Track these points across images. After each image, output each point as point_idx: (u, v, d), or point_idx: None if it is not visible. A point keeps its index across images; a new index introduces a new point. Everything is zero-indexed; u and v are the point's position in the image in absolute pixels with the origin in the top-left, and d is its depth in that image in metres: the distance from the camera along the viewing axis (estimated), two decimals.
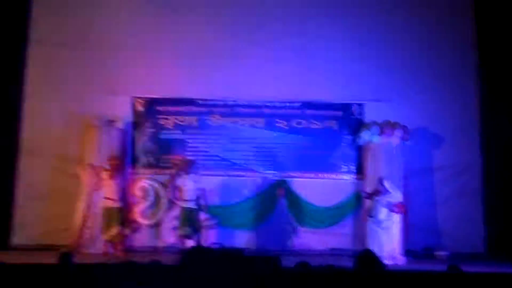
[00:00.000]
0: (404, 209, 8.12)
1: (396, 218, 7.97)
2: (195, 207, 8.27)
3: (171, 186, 8.55)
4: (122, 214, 8.30)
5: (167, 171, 8.91)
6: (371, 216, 7.99)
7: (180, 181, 8.35)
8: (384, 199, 7.91)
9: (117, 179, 8.33)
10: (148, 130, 9.21)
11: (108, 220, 8.17)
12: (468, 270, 4.55)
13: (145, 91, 9.20)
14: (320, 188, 9.04)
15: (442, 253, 8.50)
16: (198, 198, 8.34)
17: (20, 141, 9.02)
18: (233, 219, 8.93)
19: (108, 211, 8.20)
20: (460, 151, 9.18)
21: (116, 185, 8.26)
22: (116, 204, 8.24)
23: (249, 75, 9.20)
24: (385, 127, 8.91)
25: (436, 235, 8.88)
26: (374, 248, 7.45)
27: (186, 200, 8.25)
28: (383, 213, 7.88)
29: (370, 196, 8.12)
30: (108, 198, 8.22)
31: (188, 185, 8.29)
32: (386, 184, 7.99)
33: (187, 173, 8.36)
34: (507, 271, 4.37)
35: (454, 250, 8.49)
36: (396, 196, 7.99)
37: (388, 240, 7.78)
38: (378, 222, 7.86)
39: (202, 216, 8.46)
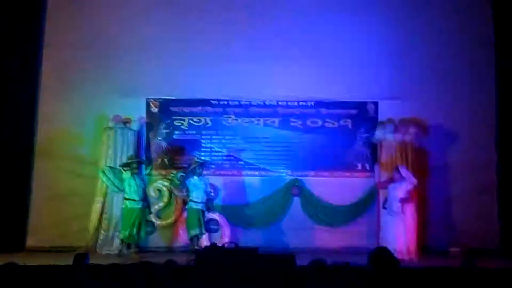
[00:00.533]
0: (417, 197, 8.01)
1: (411, 208, 7.86)
2: (203, 208, 8.30)
3: (181, 187, 8.57)
4: (142, 215, 8.21)
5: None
6: (385, 208, 7.90)
7: (188, 182, 8.37)
8: (399, 187, 7.80)
9: (138, 179, 8.28)
10: (163, 131, 9.25)
11: (128, 221, 8.07)
12: (483, 266, 4.52)
13: (159, 92, 9.24)
14: (335, 187, 9.02)
15: (457, 249, 8.43)
16: (207, 199, 8.39)
17: (36, 143, 9.12)
18: (248, 218, 8.96)
19: (129, 212, 8.12)
20: (476, 147, 9.09)
21: (137, 185, 8.21)
22: (137, 205, 8.14)
23: (264, 74, 9.17)
24: (400, 124, 8.86)
25: (451, 231, 8.82)
26: (388, 240, 7.44)
27: (195, 201, 8.28)
28: (397, 201, 7.75)
29: (385, 184, 8.01)
30: (129, 199, 8.16)
31: (197, 186, 8.32)
32: (402, 171, 7.90)
33: (196, 174, 8.37)
34: None
35: (469, 246, 8.41)
36: (412, 182, 7.86)
37: (402, 231, 7.64)
38: (392, 212, 7.72)
39: (211, 216, 8.48)
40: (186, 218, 8.42)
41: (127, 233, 8.02)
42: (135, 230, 8.05)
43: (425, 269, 4.47)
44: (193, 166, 8.43)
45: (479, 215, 8.86)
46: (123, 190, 8.22)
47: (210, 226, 8.55)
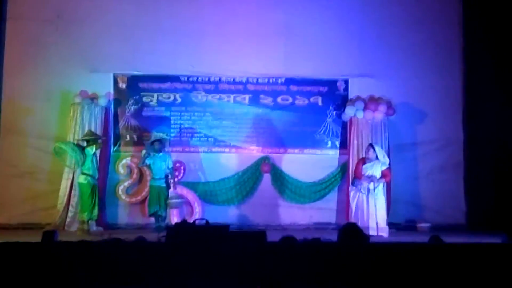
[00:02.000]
0: (390, 177, 8.06)
1: (383, 187, 7.93)
2: (161, 184, 8.28)
3: (141, 164, 8.50)
4: (97, 191, 8.12)
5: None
6: (354, 185, 7.84)
7: (149, 160, 8.32)
8: (372, 166, 7.79)
9: (98, 156, 8.17)
10: (131, 107, 9.11)
11: (85, 197, 7.97)
12: (449, 241, 4.63)
13: (127, 67, 9.07)
14: (305, 164, 9.08)
15: (424, 225, 8.62)
16: (167, 176, 8.36)
17: (0, 120, 8.87)
18: (218, 195, 8.96)
19: (85, 188, 7.99)
20: (443, 126, 9.26)
21: (97, 162, 8.12)
22: (95, 182, 8.07)
23: (234, 51, 9.10)
24: (370, 102, 8.95)
25: (418, 207, 9.01)
26: (358, 217, 7.49)
27: (153, 178, 8.30)
28: (370, 180, 7.68)
29: (359, 168, 7.98)
30: (86, 174, 7.99)
31: (156, 162, 8.29)
32: (377, 149, 7.86)
33: (156, 150, 8.34)
34: (487, 242, 4.48)
35: (436, 222, 8.61)
36: (385, 162, 7.85)
37: (374, 209, 7.63)
38: (365, 189, 7.69)
39: (172, 193, 8.44)
40: (148, 196, 8.44)
41: (89, 212, 7.93)
42: (96, 207, 8.00)
43: (394, 245, 4.53)
44: (150, 142, 8.42)
45: (446, 192, 9.08)
46: (81, 166, 8.00)
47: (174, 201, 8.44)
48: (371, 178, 7.66)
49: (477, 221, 8.77)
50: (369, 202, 7.61)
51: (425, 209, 8.97)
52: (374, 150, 7.82)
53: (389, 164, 7.97)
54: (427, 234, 6.23)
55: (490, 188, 8.82)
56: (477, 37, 9.22)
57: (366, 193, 7.64)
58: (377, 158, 7.77)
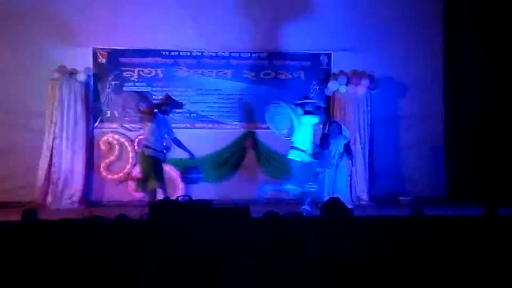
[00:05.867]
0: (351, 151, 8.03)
1: (348, 161, 7.85)
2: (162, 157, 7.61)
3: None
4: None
5: (133, 125, 8.77)
6: (317, 159, 7.60)
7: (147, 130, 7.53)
8: (336, 141, 7.61)
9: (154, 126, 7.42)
10: (111, 82, 8.98)
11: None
12: (430, 214, 4.71)
13: (107, 42, 8.89)
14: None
15: (405, 198, 8.72)
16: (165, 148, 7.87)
17: None
18: (202, 172, 8.91)
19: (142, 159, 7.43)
20: (425, 99, 9.32)
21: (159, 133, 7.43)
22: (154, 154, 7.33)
23: (216, 24, 8.98)
24: (352, 76, 8.93)
25: (400, 181, 9.11)
26: (334, 191, 7.48)
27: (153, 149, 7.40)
28: (335, 155, 7.56)
29: (322, 140, 7.67)
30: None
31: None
32: (337, 126, 7.67)
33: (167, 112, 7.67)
34: (467, 214, 4.58)
35: (417, 195, 8.72)
36: (347, 137, 7.72)
37: (344, 183, 7.61)
38: (330, 164, 7.56)
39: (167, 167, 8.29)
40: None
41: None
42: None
43: (376, 218, 4.59)
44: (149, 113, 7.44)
45: (427, 165, 9.18)
46: None
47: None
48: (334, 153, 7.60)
49: (456, 193, 8.90)
50: (339, 177, 7.57)
51: (406, 182, 9.08)
52: (332, 125, 7.66)
53: (369, 138, 7.94)
54: (409, 207, 6.30)
55: (469, 160, 8.93)
56: (459, 11, 9.22)
57: (332, 168, 7.57)
58: (339, 133, 7.66)
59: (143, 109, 7.88)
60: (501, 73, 8.66)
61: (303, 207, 7.15)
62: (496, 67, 8.68)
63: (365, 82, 8.85)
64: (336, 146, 7.59)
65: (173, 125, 8.87)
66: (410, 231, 3.93)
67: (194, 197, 5.19)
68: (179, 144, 7.73)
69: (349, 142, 7.71)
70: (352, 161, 8.14)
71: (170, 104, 7.65)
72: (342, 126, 7.78)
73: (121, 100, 8.90)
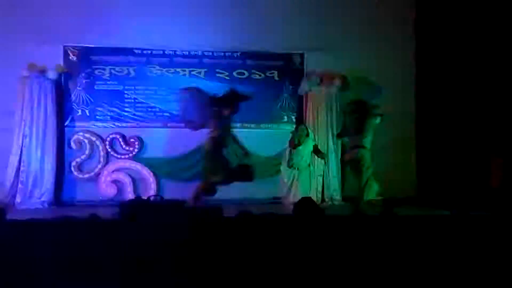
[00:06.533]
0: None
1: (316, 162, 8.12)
2: None
3: None
4: None
5: (103, 124, 8.70)
6: (290, 166, 8.08)
7: None
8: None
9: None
10: (82, 81, 8.85)
11: None
12: (401, 214, 4.78)
13: (78, 39, 8.78)
14: (261, 139, 9.07)
15: (377, 198, 8.79)
16: None
17: None
18: (174, 171, 8.88)
19: None
20: (396, 100, 9.38)
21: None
22: None
23: (189, 23, 8.93)
24: (325, 76, 8.99)
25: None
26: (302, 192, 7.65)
27: None
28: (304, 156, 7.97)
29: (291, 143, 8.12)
30: None
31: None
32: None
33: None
34: (437, 214, 4.66)
35: (388, 195, 8.81)
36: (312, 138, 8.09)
37: (313, 183, 7.89)
38: (300, 166, 7.93)
39: None
40: None
41: None
42: None
43: (348, 217, 4.64)
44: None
45: (398, 165, 9.28)
46: None
47: None
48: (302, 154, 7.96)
49: (427, 194, 9.02)
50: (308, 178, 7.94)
51: (378, 183, 9.17)
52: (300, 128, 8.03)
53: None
54: (380, 207, 6.38)
55: (440, 161, 9.06)
56: (431, 12, 9.34)
57: (303, 169, 7.98)
58: (307, 135, 7.93)
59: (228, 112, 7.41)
60: (472, 73, 8.76)
61: None
62: (468, 67, 8.78)
63: (337, 82, 8.93)
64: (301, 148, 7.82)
65: (146, 125, 8.87)
66: (381, 230, 3.99)
67: (166, 197, 5.18)
68: None
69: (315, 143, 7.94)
70: (325, 160, 8.29)
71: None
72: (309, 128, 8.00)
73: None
